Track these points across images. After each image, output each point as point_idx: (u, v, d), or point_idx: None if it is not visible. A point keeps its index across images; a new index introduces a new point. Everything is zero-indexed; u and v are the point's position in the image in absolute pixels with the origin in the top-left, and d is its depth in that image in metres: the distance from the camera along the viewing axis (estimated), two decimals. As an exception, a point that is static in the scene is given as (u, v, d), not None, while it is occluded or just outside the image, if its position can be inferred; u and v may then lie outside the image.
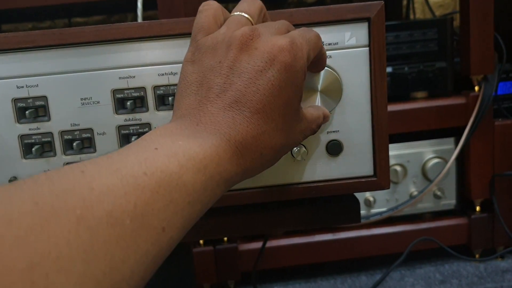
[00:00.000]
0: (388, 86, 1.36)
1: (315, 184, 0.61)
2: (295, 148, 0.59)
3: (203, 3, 0.52)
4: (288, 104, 0.47)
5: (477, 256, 1.45)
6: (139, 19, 1.19)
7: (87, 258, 0.32)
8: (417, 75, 1.37)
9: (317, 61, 0.54)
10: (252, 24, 0.50)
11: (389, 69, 1.37)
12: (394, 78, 1.37)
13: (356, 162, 0.61)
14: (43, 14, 1.68)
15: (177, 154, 0.40)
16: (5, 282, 0.28)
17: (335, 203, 0.64)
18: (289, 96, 0.47)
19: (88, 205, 0.33)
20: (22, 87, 0.58)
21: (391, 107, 1.33)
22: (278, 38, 0.47)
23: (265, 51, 0.46)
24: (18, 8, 1.29)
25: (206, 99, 0.46)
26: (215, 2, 0.52)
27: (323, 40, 0.57)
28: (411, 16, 1.80)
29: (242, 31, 0.47)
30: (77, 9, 1.63)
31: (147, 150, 0.40)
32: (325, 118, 0.56)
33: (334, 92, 0.57)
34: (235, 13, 0.51)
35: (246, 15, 0.50)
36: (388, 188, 0.61)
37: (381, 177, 0.61)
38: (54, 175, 0.35)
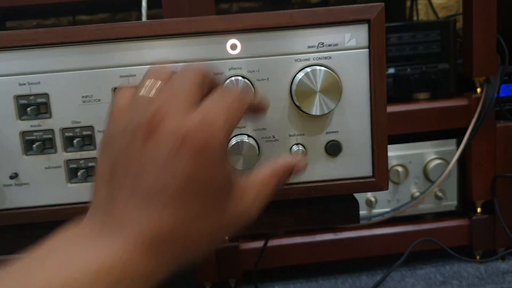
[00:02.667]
0: (391, 87, 1.37)
1: (314, 184, 0.61)
2: (294, 148, 0.60)
3: (118, 86, 0.50)
4: (208, 188, 0.43)
5: (478, 257, 1.45)
6: (143, 18, 1.19)
7: None
8: (420, 76, 1.38)
9: (254, 110, 0.52)
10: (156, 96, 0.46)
11: (391, 70, 1.37)
12: (396, 79, 1.37)
13: (355, 162, 0.61)
14: (48, 12, 1.68)
15: (85, 270, 0.38)
16: None
17: (334, 203, 0.65)
18: (208, 177, 0.43)
19: None
20: (24, 84, 0.58)
21: (394, 108, 1.33)
22: (186, 119, 0.42)
23: (171, 135, 0.41)
24: (22, 5, 1.30)
25: (117, 192, 0.42)
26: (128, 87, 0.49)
27: (323, 41, 0.58)
28: (415, 18, 1.80)
29: (145, 117, 0.43)
30: (81, 7, 1.64)
31: (55, 266, 0.39)
32: (297, 167, 0.52)
33: (333, 93, 0.58)
34: (144, 85, 0.47)
35: (152, 91, 0.46)
36: (387, 189, 0.62)
37: (379, 178, 0.61)
38: None
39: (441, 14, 1.86)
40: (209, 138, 0.42)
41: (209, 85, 0.47)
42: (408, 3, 1.80)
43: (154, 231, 0.41)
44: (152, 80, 0.47)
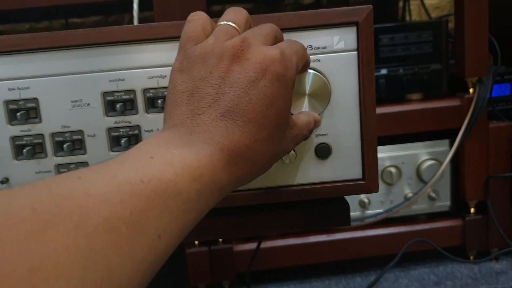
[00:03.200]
0: (383, 88, 1.37)
1: (304, 187, 0.61)
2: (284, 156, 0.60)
3: (192, 13, 0.52)
4: (280, 113, 0.48)
5: (471, 257, 1.45)
6: (135, 20, 1.19)
7: (85, 264, 0.32)
8: (412, 77, 1.38)
9: (302, 69, 0.55)
10: (239, 33, 0.50)
11: (384, 71, 1.37)
12: (389, 80, 1.38)
13: (345, 165, 0.61)
14: (41, 15, 1.68)
15: (173, 163, 0.40)
16: (4, 286, 0.28)
17: (324, 206, 0.65)
18: (280, 105, 0.47)
19: (85, 211, 0.33)
20: (14, 89, 0.58)
21: (386, 109, 1.33)
22: (268, 48, 0.47)
23: (256, 61, 0.46)
24: (15, 9, 1.30)
25: (199, 108, 0.46)
26: (204, 13, 0.53)
27: (311, 44, 0.58)
28: (407, 18, 1.80)
29: (233, 42, 0.47)
30: (74, 10, 1.64)
31: (143, 158, 0.40)
32: (316, 123, 0.57)
33: (322, 96, 0.58)
34: (222, 23, 0.51)
35: (233, 25, 0.51)
36: (377, 191, 0.62)
37: (369, 180, 0.61)
38: (51, 181, 0.35)
39: (434, 14, 1.87)
40: (285, 72, 0.48)
41: (279, 40, 0.53)
42: (401, 4, 1.80)
43: (235, 145, 0.45)
44: (232, 14, 0.52)
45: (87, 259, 0.32)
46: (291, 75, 0.49)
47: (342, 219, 0.66)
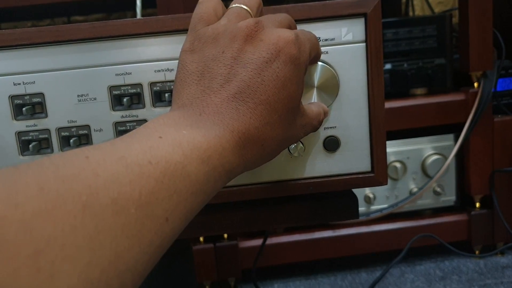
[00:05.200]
0: (387, 83, 1.36)
1: (312, 180, 0.61)
2: (292, 144, 0.59)
3: None
4: (291, 97, 0.47)
5: (477, 252, 1.45)
6: (138, 17, 1.19)
7: (93, 246, 0.31)
8: (416, 71, 1.37)
9: (313, 60, 0.55)
10: (252, 17, 0.50)
11: (388, 66, 1.37)
12: (393, 75, 1.37)
13: (354, 158, 0.61)
14: (43, 13, 1.68)
15: (181, 144, 0.40)
16: (9, 267, 0.27)
17: (333, 199, 0.64)
18: (292, 88, 0.47)
19: (93, 191, 0.33)
20: (19, 84, 0.58)
21: (391, 104, 1.33)
22: (283, 30, 0.47)
23: (270, 42, 0.46)
24: (17, 6, 1.29)
25: (209, 89, 0.45)
26: None
27: (319, 36, 0.57)
28: (410, 13, 1.79)
29: (246, 22, 0.47)
30: (76, 8, 1.64)
31: (151, 138, 0.39)
32: (325, 114, 0.56)
33: (331, 88, 0.57)
34: (234, 5, 0.50)
35: (246, 7, 0.50)
36: (386, 184, 0.61)
37: (378, 173, 0.61)
38: (58, 160, 0.34)
39: (437, 9, 1.86)
40: (299, 55, 0.47)
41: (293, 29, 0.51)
42: (404, -1, 1.80)
43: (245, 127, 0.44)
44: None
45: (94, 241, 0.31)
46: (305, 59, 0.48)
47: (350, 213, 0.65)
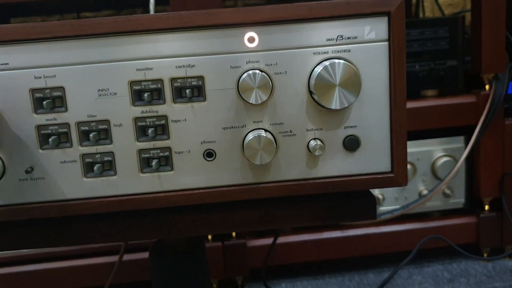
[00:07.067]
0: (399, 84, 1.36)
1: (331, 180, 0.61)
2: (312, 143, 0.59)
3: None
4: None
5: (485, 255, 1.44)
6: (151, 13, 1.19)
7: None
8: (428, 73, 1.37)
9: None
10: None
11: (399, 67, 1.36)
12: (404, 76, 1.37)
13: (374, 158, 0.60)
14: (52, 8, 1.68)
15: None
16: None
17: (350, 199, 0.64)
18: None
19: None
20: (40, 77, 0.57)
21: (402, 105, 1.32)
22: None
23: None
24: (27, 1, 1.29)
25: None
26: None
27: (342, 34, 0.57)
28: (421, 15, 1.79)
29: None
30: (86, 4, 1.63)
31: None
32: None
33: (353, 86, 0.57)
34: None
35: None
36: (406, 184, 0.61)
37: (398, 173, 0.60)
38: None
39: (447, 11, 1.86)
40: None
41: None
42: (414, 0, 1.79)
43: None
44: None
45: None
46: None
47: (368, 213, 0.65)
